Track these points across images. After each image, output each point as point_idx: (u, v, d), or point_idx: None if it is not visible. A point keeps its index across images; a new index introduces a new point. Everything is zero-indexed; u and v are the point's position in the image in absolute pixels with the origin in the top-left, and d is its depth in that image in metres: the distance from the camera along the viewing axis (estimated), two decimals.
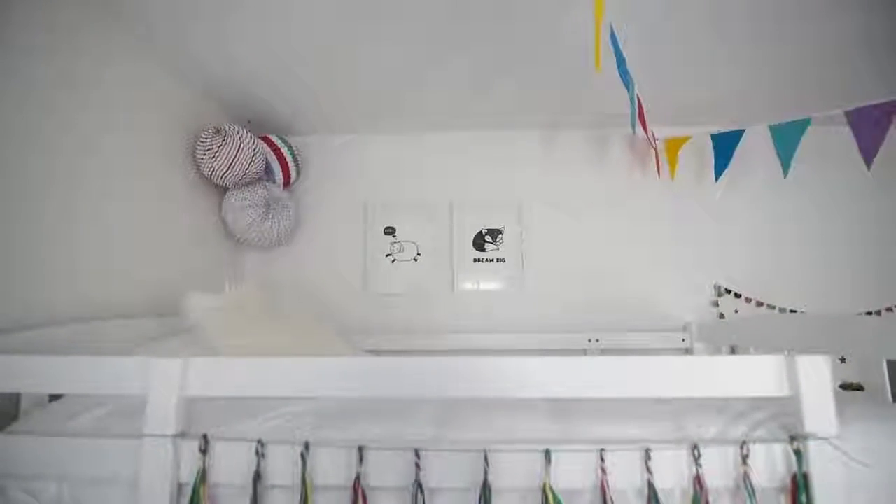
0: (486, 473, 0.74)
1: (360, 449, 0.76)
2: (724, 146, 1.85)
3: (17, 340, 0.96)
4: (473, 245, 2.01)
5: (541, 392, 0.79)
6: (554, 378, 0.78)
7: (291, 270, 2.02)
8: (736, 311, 2.07)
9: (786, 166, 1.67)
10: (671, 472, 0.75)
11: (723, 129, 1.86)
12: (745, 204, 2.13)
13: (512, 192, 2.09)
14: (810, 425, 0.74)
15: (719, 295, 2.10)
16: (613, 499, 0.73)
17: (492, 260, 2.00)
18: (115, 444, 0.81)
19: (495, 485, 0.74)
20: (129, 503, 0.79)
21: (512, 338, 1.91)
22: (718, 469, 0.75)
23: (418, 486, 0.74)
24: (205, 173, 1.65)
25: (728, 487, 0.76)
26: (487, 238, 2.01)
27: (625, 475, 0.75)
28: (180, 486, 0.79)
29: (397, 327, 1.92)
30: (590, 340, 1.96)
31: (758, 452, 0.75)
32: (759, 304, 2.09)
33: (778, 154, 1.67)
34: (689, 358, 0.79)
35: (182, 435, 0.79)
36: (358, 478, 0.75)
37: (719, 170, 1.88)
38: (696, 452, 0.74)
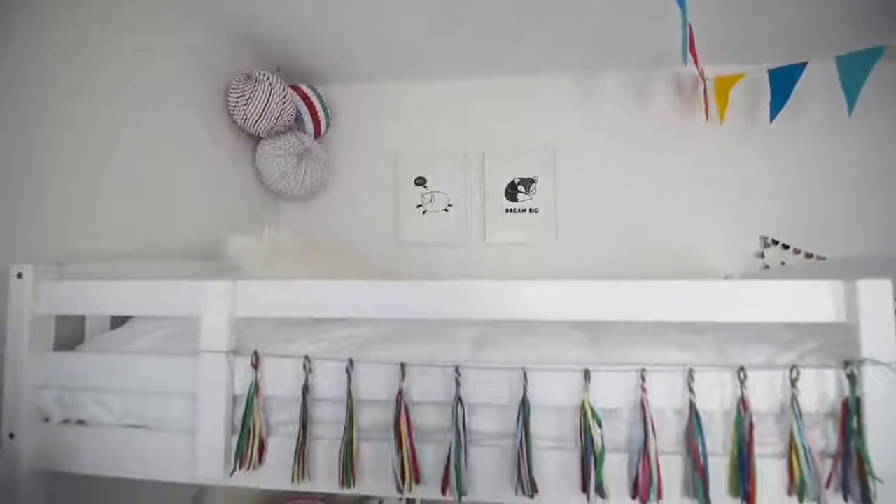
0: (524, 390, 0.75)
1: (402, 365, 0.78)
2: (783, 82, 1.71)
3: (82, 272, 1.03)
4: (506, 195, 1.98)
5: (584, 314, 0.78)
6: (599, 301, 0.77)
7: (324, 221, 2.06)
8: (783, 263, 1.98)
9: (851, 102, 1.54)
10: (714, 395, 0.74)
11: (779, 65, 1.72)
12: (799, 148, 1.99)
13: (546, 140, 2.02)
14: (868, 350, 0.71)
15: (765, 246, 2.00)
16: (653, 418, 0.74)
17: (524, 210, 1.97)
18: (175, 360, 0.86)
19: (533, 402, 0.76)
20: (190, 414, 0.85)
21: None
22: (764, 393, 0.74)
23: (458, 400, 0.76)
24: (238, 121, 1.67)
25: (773, 412, 0.74)
26: (520, 187, 1.97)
27: (665, 395, 0.75)
28: (235, 398, 0.84)
29: (428, 279, 1.93)
30: None
31: (807, 377, 0.73)
32: (809, 255, 1.98)
33: (843, 89, 1.53)
34: (739, 282, 0.76)
35: (234, 352, 0.83)
36: (400, 392, 0.78)
37: (775, 109, 1.74)
38: (742, 375, 0.73)
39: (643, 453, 0.73)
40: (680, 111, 2.02)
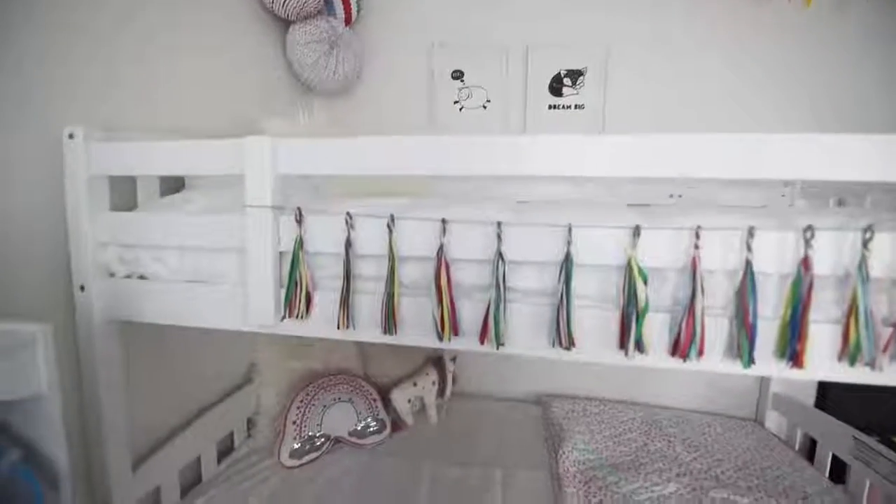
0: (568, 246, 0.73)
1: (444, 221, 0.77)
2: None
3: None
4: (550, 90, 1.84)
5: (642, 171, 0.73)
6: (656, 153, 0.72)
7: (355, 118, 2.00)
8: None
9: None
10: (773, 256, 0.70)
11: None
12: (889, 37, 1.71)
13: (598, 32, 1.83)
14: None
15: None
16: (703, 278, 0.71)
17: (569, 107, 1.84)
18: (224, 218, 0.89)
19: (577, 260, 0.74)
20: (240, 268, 0.89)
21: (586, 190, 1.82)
22: (830, 255, 0.69)
23: (499, 256, 0.76)
24: (266, 2, 1.58)
25: (836, 275, 0.70)
26: (566, 80, 1.82)
27: (719, 256, 0.71)
28: (281, 255, 0.87)
29: (469, 189, 1.88)
30: (671, 196, 1.82)
31: (883, 241, 0.68)
32: None
33: None
34: (811, 135, 0.68)
35: (279, 208, 0.84)
36: (441, 247, 0.77)
37: None
38: (808, 233, 0.68)
39: (688, 311, 0.71)
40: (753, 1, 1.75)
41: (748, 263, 0.69)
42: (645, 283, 0.72)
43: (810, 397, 1.75)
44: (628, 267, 0.72)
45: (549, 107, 1.87)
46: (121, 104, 1.10)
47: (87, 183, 0.94)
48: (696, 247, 0.70)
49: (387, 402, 1.66)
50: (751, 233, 0.69)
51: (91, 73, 1.03)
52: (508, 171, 0.77)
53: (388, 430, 1.60)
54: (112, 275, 0.99)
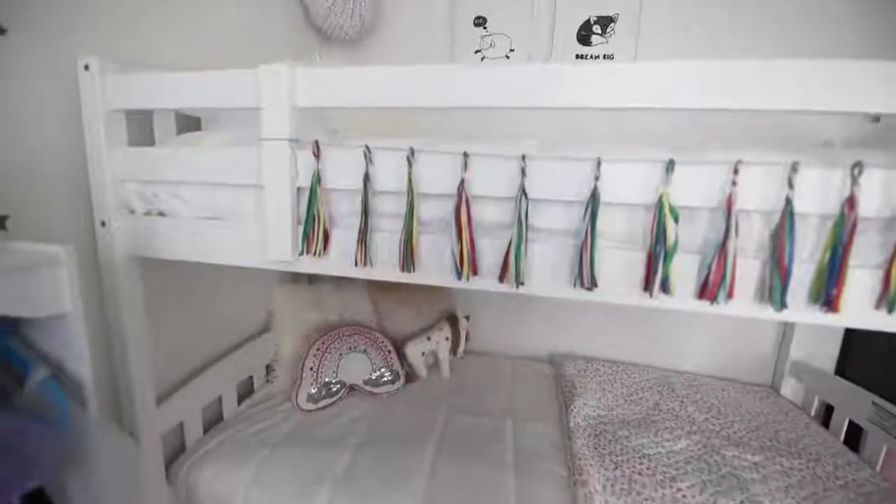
0: (596, 181, 0.70)
1: (465, 155, 0.74)
2: None
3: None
4: (577, 38, 1.75)
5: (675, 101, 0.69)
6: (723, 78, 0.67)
7: None
8: None
9: None
10: (816, 195, 0.66)
11: None
12: None
13: None
14: None
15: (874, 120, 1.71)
16: (738, 218, 0.68)
17: (598, 56, 1.75)
18: (240, 153, 0.87)
19: (604, 197, 0.71)
20: (256, 206, 0.88)
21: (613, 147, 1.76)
22: (878, 195, 0.64)
23: (523, 191, 0.73)
24: None
25: (882, 217, 0.66)
26: (595, 28, 1.73)
27: (757, 194, 0.67)
28: (298, 191, 0.85)
29: (487, 133, 1.82)
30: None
31: None
32: None
33: None
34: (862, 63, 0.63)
35: (296, 141, 0.82)
36: (462, 182, 0.75)
37: None
38: (856, 170, 0.63)
39: (719, 252, 0.68)
40: None
41: (788, 201, 0.65)
42: (676, 221, 0.69)
43: (830, 366, 1.72)
44: (659, 204, 0.69)
45: (577, 56, 1.78)
46: (140, 43, 1.07)
47: (104, 117, 0.93)
48: (734, 183, 0.66)
49: (401, 355, 1.68)
50: (794, 168, 0.65)
51: (114, 7, 1.00)
52: (544, 101, 0.73)
53: (402, 381, 1.63)
54: (132, 212, 0.99)
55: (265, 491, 1.12)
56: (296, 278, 1.79)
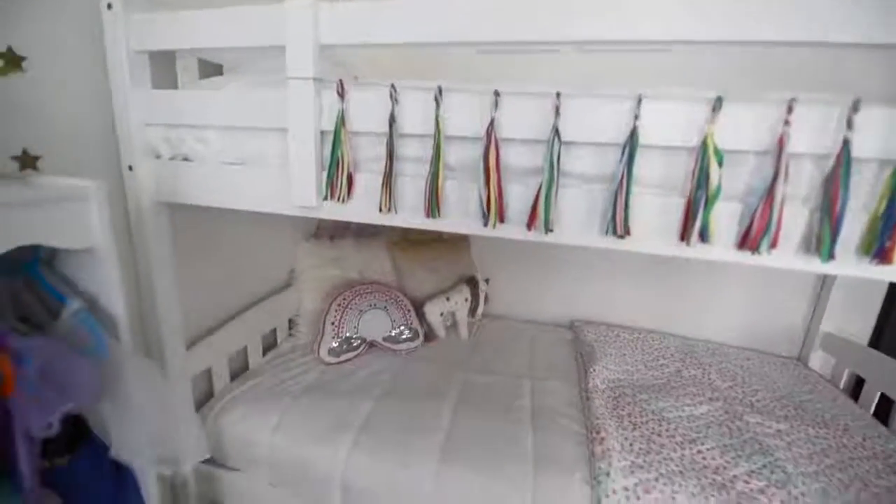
0: (635, 121, 0.66)
1: (496, 93, 0.71)
2: None
3: None
4: None
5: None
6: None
7: None
8: None
9: None
10: (876, 137, 0.61)
11: None
12: None
13: None
14: None
15: None
16: (789, 164, 0.63)
17: None
18: (264, 94, 0.85)
19: (644, 138, 0.67)
20: (280, 150, 0.87)
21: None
22: None
23: (555, 131, 0.69)
24: None
25: None
26: None
27: (811, 136, 0.63)
28: (322, 135, 0.83)
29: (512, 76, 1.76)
30: None
31: None
32: None
33: None
34: None
35: (320, 80, 0.80)
36: (492, 123, 0.72)
37: None
38: None
39: (766, 198, 0.64)
40: None
41: (846, 143, 0.60)
42: (720, 165, 0.65)
43: (863, 339, 1.66)
44: (703, 146, 0.64)
45: None
46: None
47: (127, 59, 0.92)
48: (787, 122, 0.62)
49: (420, 315, 1.69)
50: (855, 107, 0.59)
51: None
52: (599, 33, 0.68)
53: (421, 339, 1.64)
54: (158, 156, 0.99)
55: (290, 435, 1.15)
56: (317, 235, 1.80)
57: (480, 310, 1.85)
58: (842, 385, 1.60)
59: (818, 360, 1.70)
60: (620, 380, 1.48)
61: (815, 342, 1.69)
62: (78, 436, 0.72)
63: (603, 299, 1.96)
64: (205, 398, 1.29)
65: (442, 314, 1.72)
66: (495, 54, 1.79)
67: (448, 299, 1.73)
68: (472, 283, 1.82)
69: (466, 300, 1.77)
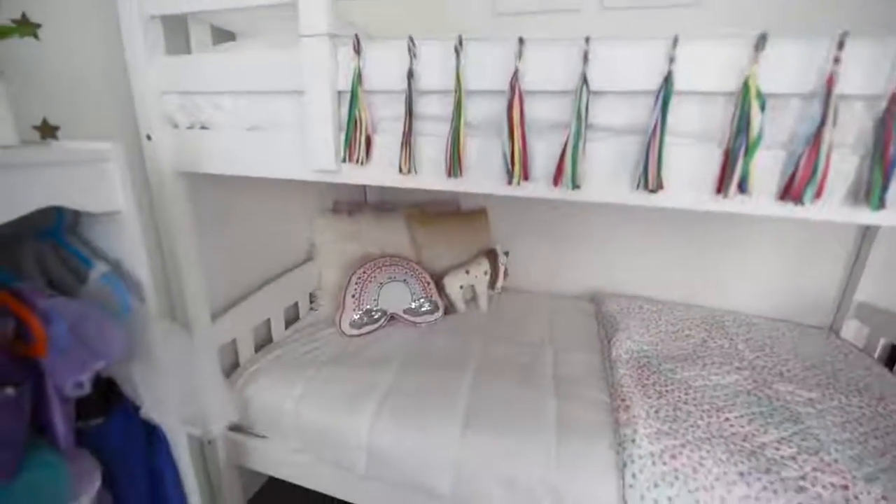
0: (670, 65, 0.62)
1: (520, 41, 0.67)
2: None
3: None
4: None
5: None
6: None
7: None
8: None
9: None
10: None
11: None
12: None
13: None
14: None
15: None
16: (838, 107, 0.59)
17: None
18: (279, 56, 0.83)
19: (679, 84, 0.63)
20: (297, 114, 0.85)
21: None
22: None
23: (584, 80, 0.66)
24: None
25: None
26: None
27: (862, 75, 0.58)
28: (339, 96, 0.81)
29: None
30: None
31: None
32: None
33: None
34: None
35: (335, 36, 0.77)
36: (516, 73, 0.68)
37: None
38: None
39: (812, 144, 0.60)
40: None
41: None
42: (762, 109, 0.60)
43: None
44: (744, 88, 0.60)
45: None
46: None
47: (141, 24, 0.91)
48: (837, 60, 0.57)
49: (439, 288, 1.68)
50: None
51: None
52: None
53: (441, 312, 1.64)
54: (175, 126, 0.98)
55: (314, 403, 1.17)
56: (335, 210, 1.80)
57: (500, 283, 1.83)
58: (876, 355, 1.54)
59: (851, 329, 1.64)
60: (644, 350, 1.45)
61: (848, 311, 1.63)
62: (110, 399, 0.73)
63: (625, 272, 1.92)
64: (231, 369, 1.32)
65: (461, 287, 1.70)
66: (513, 16, 1.72)
67: (467, 272, 1.71)
68: (491, 255, 1.80)
69: (486, 273, 1.75)
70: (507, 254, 1.87)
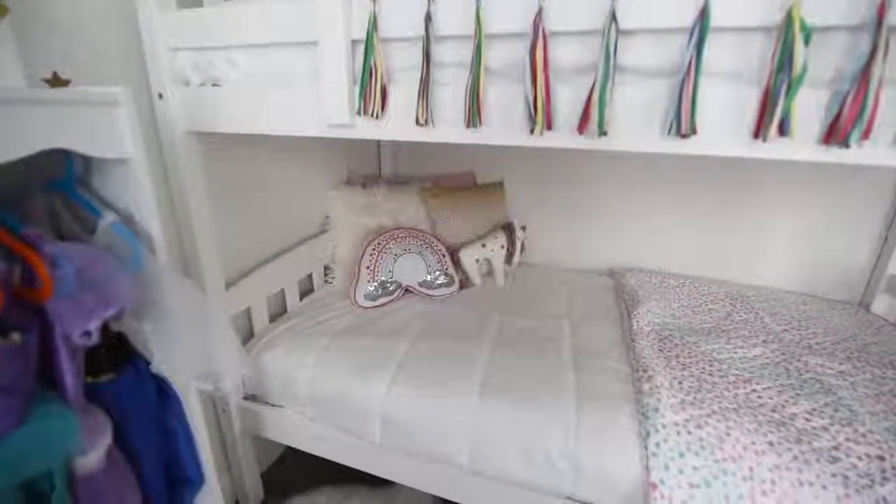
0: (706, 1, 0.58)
1: None
2: None
3: None
4: None
5: None
6: None
7: None
8: None
9: None
10: None
11: None
12: None
13: None
14: None
15: None
16: (889, 40, 0.54)
17: None
18: (291, 5, 0.80)
19: (716, 21, 0.59)
20: (310, 67, 0.82)
21: None
22: None
23: (612, 17, 0.62)
24: None
25: None
26: None
27: None
28: (354, 45, 0.78)
29: None
30: None
31: None
32: None
33: None
34: None
35: None
36: (539, 13, 0.65)
37: None
38: None
39: (860, 80, 0.55)
40: None
41: None
42: (806, 43, 0.56)
43: None
44: (787, 20, 0.56)
45: None
46: None
47: None
48: None
49: (455, 261, 1.66)
50: None
51: None
52: None
53: (457, 285, 1.62)
54: (187, 84, 0.96)
55: (329, 372, 1.16)
56: (349, 182, 1.78)
57: (517, 258, 1.79)
58: None
59: (883, 304, 1.58)
60: (666, 323, 1.41)
61: (880, 285, 1.56)
62: (121, 355, 0.73)
63: (645, 246, 1.87)
64: (246, 338, 1.32)
65: (478, 260, 1.68)
66: None
67: (484, 245, 1.69)
68: (508, 229, 1.76)
69: (503, 247, 1.72)
70: (524, 228, 1.83)
